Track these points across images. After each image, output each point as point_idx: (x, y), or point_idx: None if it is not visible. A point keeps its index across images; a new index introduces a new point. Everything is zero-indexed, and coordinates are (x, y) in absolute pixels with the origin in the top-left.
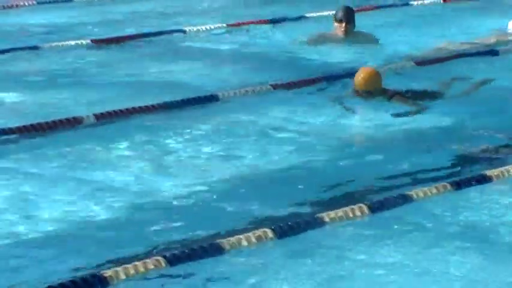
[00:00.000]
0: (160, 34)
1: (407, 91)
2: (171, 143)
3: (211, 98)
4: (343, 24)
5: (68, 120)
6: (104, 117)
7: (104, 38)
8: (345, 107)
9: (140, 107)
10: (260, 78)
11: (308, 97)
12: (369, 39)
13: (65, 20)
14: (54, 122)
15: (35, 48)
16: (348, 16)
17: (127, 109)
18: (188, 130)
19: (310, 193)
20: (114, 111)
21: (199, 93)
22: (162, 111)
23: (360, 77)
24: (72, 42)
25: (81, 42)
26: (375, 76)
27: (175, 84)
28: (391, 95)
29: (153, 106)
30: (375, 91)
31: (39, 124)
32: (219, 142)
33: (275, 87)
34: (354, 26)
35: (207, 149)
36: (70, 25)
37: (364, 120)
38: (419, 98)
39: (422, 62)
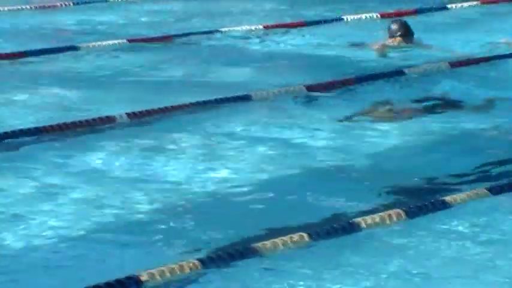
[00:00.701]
0: (196, 34)
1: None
2: (205, 142)
3: (244, 98)
4: (398, 39)
5: (100, 119)
6: (136, 117)
7: (140, 38)
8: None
9: (172, 106)
10: (294, 79)
11: (342, 98)
12: (428, 47)
13: (101, 20)
14: (87, 120)
15: (73, 48)
16: (403, 30)
17: (160, 108)
18: (221, 129)
19: (347, 197)
20: (146, 110)
21: (233, 93)
22: (195, 110)
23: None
24: (110, 42)
25: (118, 42)
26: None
27: (208, 83)
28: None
29: (185, 105)
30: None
31: (72, 123)
32: (251, 142)
33: (308, 88)
34: (410, 37)
35: (237, 150)
36: (106, 25)
37: (401, 123)
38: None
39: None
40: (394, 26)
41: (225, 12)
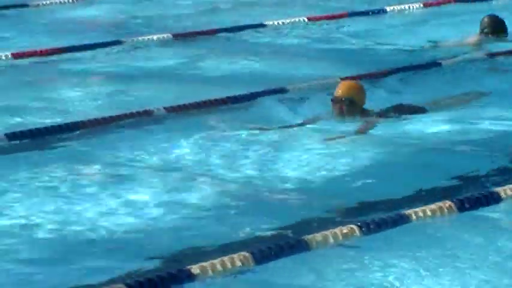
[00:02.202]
0: (240, 28)
1: (393, 108)
2: (242, 134)
3: (281, 91)
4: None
5: (138, 112)
6: (174, 110)
7: (185, 32)
8: None
9: (210, 100)
10: (334, 72)
11: (378, 90)
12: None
13: (146, 14)
14: (125, 114)
15: (117, 42)
16: (494, 26)
17: (197, 102)
18: (258, 123)
19: (397, 189)
20: (184, 104)
21: (270, 86)
22: (232, 104)
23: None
24: (154, 37)
25: (163, 37)
26: (358, 87)
27: (247, 77)
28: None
29: (222, 100)
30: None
31: (110, 117)
32: (289, 135)
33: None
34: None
35: (276, 142)
36: (151, 19)
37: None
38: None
39: None
40: (486, 20)
41: (269, 5)
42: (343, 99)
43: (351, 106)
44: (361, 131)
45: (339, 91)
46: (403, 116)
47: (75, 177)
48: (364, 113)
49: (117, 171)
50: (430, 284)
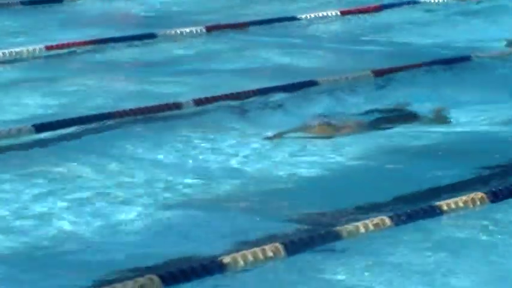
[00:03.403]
0: (273, 21)
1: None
2: (274, 127)
3: (311, 84)
4: None
5: (167, 105)
6: (203, 103)
7: (218, 24)
8: None
9: (238, 93)
10: (366, 65)
11: (409, 83)
12: None
13: (179, 7)
14: (155, 106)
15: (150, 36)
16: None
17: (225, 95)
18: (288, 116)
19: (429, 180)
20: (213, 97)
21: (300, 79)
22: (260, 96)
23: None
24: (187, 30)
25: (196, 30)
26: None
27: (279, 69)
28: None
29: (252, 91)
30: None
31: (138, 109)
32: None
33: (376, 73)
34: None
35: (304, 134)
36: (185, 12)
37: None
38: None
39: None
40: None
41: None
42: None
43: None
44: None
45: None
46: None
47: (103, 168)
48: None
49: (146, 161)
50: (465, 276)
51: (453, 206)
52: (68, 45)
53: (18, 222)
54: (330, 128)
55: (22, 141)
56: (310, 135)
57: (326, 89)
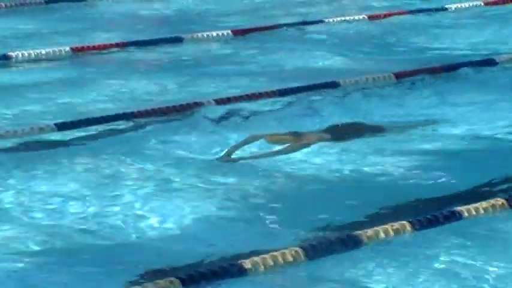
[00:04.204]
0: (298, 25)
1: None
2: (296, 127)
3: (333, 85)
4: None
5: (188, 104)
6: (224, 103)
7: (243, 28)
8: None
9: (260, 93)
10: (391, 68)
11: (433, 88)
12: None
13: (206, 10)
14: (179, 107)
15: (177, 39)
16: None
17: (247, 95)
18: (310, 117)
19: (449, 186)
20: (234, 96)
21: (323, 80)
22: (282, 97)
23: None
24: (214, 33)
25: (222, 33)
26: None
27: (304, 71)
28: None
29: (273, 92)
30: None
31: (162, 109)
32: (340, 130)
33: (398, 76)
34: None
35: (327, 136)
36: (211, 15)
37: None
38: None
39: None
40: None
41: (329, 1)
42: None
43: None
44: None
45: None
46: None
47: (128, 167)
48: None
49: (168, 163)
50: (484, 282)
51: (473, 212)
52: (93, 47)
53: (38, 215)
54: (350, 131)
55: (44, 139)
56: (330, 138)
57: (348, 90)
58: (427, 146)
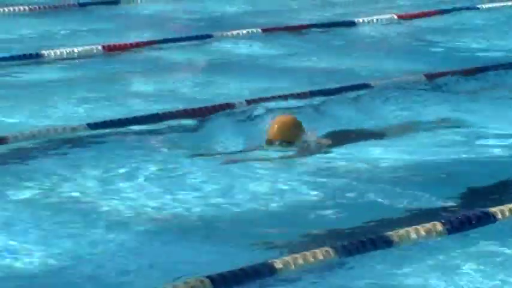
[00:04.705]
0: (329, 25)
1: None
2: (327, 129)
3: (364, 87)
4: None
5: (221, 105)
6: (255, 102)
7: (273, 27)
8: None
9: (292, 94)
10: (422, 69)
11: (464, 89)
12: None
13: (235, 8)
14: (209, 107)
15: (207, 36)
16: None
17: (279, 95)
18: (340, 118)
19: (482, 187)
20: (266, 97)
21: (354, 82)
22: (314, 98)
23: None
24: (244, 31)
25: (252, 31)
26: (291, 125)
27: (334, 72)
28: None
29: (304, 93)
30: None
31: (192, 109)
32: (373, 132)
33: (429, 77)
34: None
35: (361, 136)
36: (241, 14)
37: None
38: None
39: None
40: None
41: (359, 2)
42: (277, 142)
43: (288, 145)
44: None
45: (271, 134)
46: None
47: (162, 165)
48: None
49: (198, 162)
50: None
51: (507, 213)
52: (125, 46)
53: (78, 218)
54: (381, 132)
55: (77, 138)
56: (362, 139)
57: (379, 91)
58: (459, 146)
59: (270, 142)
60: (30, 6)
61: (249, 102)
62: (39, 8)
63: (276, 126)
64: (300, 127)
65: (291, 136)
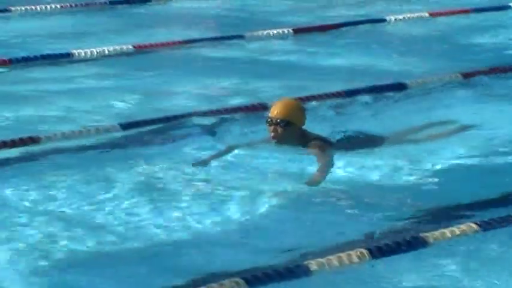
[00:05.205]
0: (360, 23)
1: (352, 137)
2: (362, 128)
3: (400, 86)
4: None
5: (253, 105)
6: None
7: (305, 26)
8: None
9: (326, 94)
10: (455, 68)
11: (498, 87)
12: None
13: (267, 8)
14: (247, 106)
15: (238, 37)
16: None
17: (313, 96)
18: (377, 116)
19: None
20: (300, 98)
21: (388, 81)
22: (348, 97)
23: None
24: (275, 31)
25: (283, 31)
26: (296, 106)
27: (366, 71)
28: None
29: (338, 93)
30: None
31: (219, 109)
32: (410, 130)
33: (465, 76)
34: None
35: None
36: (272, 13)
37: None
38: (363, 146)
39: None
40: None
41: (389, 1)
42: (278, 120)
43: (288, 128)
44: (314, 181)
45: (274, 111)
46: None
47: (188, 167)
48: (305, 135)
49: (230, 164)
50: None
51: None
52: (156, 46)
53: (107, 216)
54: (416, 132)
55: (109, 138)
56: (397, 139)
57: (415, 91)
58: (494, 146)
59: (269, 120)
60: (61, 4)
61: None
62: (71, 5)
63: (277, 103)
64: (303, 112)
65: (291, 116)
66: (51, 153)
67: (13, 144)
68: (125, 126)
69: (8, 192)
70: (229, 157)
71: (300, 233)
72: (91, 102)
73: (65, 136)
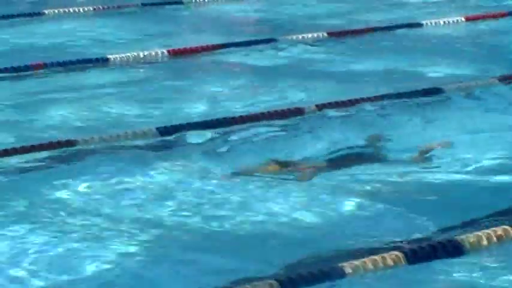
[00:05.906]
0: (395, 28)
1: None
2: (397, 133)
3: (435, 91)
4: None
5: (289, 109)
6: (325, 107)
7: (339, 30)
8: None
9: (363, 98)
10: (491, 73)
11: None
12: None
13: (301, 12)
14: (278, 111)
15: (272, 40)
16: None
17: (349, 100)
18: (412, 122)
19: None
20: (336, 102)
21: (423, 85)
22: (379, 102)
23: None
24: (309, 35)
25: (317, 35)
26: None
27: (401, 76)
28: None
29: (375, 97)
30: None
31: (255, 115)
32: (447, 134)
33: (502, 80)
34: None
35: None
36: (306, 17)
37: None
38: None
39: None
40: None
41: (426, 4)
42: None
43: None
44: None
45: None
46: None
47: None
48: None
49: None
50: None
51: None
52: (190, 50)
53: (148, 217)
54: (457, 134)
55: (146, 143)
56: (434, 144)
57: (452, 96)
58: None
59: None
60: (94, 7)
61: (318, 107)
62: (103, 8)
63: None
64: None
65: None
66: (88, 156)
67: (50, 147)
68: (162, 131)
69: (54, 193)
70: None
71: (335, 235)
72: (127, 106)
73: (103, 139)
